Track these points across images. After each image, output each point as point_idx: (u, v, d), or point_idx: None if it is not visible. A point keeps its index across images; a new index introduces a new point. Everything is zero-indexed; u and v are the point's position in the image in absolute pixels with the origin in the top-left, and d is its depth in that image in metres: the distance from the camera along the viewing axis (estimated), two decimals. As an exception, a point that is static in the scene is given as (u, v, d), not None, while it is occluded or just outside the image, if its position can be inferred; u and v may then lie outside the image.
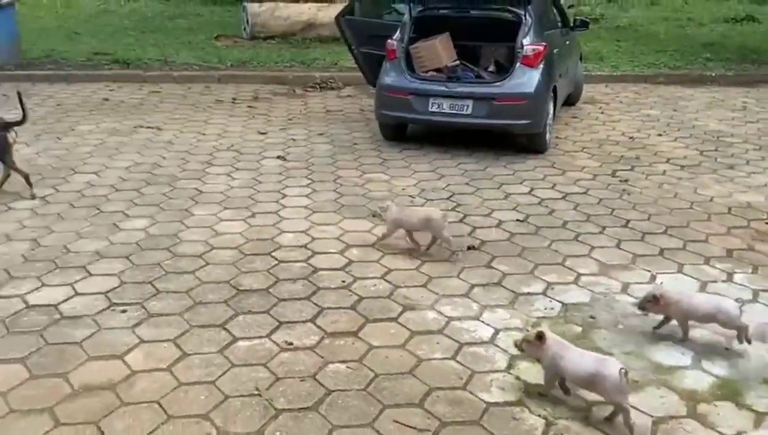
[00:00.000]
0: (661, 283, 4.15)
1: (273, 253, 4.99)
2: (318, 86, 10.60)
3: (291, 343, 3.86)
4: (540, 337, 3.34)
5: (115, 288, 4.45)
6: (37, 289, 4.42)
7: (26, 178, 6.05)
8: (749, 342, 3.77)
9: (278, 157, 7.22)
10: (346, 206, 5.92)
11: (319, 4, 14.36)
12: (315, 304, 4.30)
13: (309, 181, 6.53)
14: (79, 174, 6.59)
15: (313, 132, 8.24)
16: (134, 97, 9.81)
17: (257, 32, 13.85)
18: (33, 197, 5.95)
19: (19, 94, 6.37)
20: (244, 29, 14.18)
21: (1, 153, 5.94)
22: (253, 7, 14.06)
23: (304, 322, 4.09)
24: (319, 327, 4.03)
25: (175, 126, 8.37)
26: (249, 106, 9.45)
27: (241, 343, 3.86)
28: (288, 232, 5.37)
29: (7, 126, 6.04)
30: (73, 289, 4.43)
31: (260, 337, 3.91)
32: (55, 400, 3.33)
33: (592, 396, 3.31)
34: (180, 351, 3.77)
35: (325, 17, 13.84)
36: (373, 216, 5.47)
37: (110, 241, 5.17)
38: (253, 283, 4.55)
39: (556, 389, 3.40)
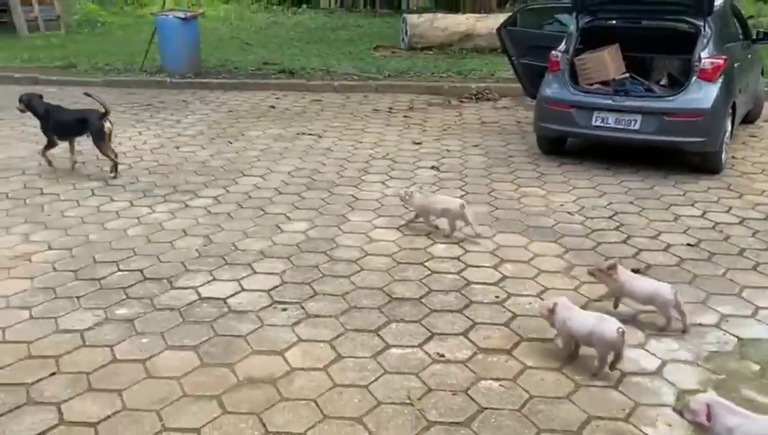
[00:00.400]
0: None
1: (425, 263, 5.01)
2: (474, 97, 10.57)
3: (443, 355, 3.85)
4: (613, 266, 4.00)
5: (277, 287, 4.67)
6: (208, 282, 4.72)
7: (115, 164, 6.95)
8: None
9: (432, 168, 7.27)
10: (500, 220, 5.83)
11: (477, 15, 14.36)
12: (467, 317, 4.26)
13: (463, 193, 6.50)
14: (247, 177, 6.98)
15: (468, 143, 8.21)
16: (297, 105, 10.29)
17: (415, 43, 14.08)
18: (114, 176, 6.92)
19: (87, 93, 7.52)
20: (402, 40, 14.47)
21: (100, 139, 6.85)
22: (412, 19, 14.31)
23: (456, 335, 4.06)
24: (471, 341, 3.99)
25: (334, 134, 8.67)
26: (405, 116, 9.60)
27: (393, 350, 3.90)
28: (440, 243, 5.36)
29: (103, 116, 6.85)
30: (240, 285, 4.69)
31: (412, 346, 3.93)
32: (223, 388, 3.53)
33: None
34: (335, 353, 3.87)
35: (483, 28, 13.82)
36: (401, 199, 5.68)
37: (273, 241, 5.43)
38: (406, 291, 4.58)
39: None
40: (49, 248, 5.27)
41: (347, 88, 11.26)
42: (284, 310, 4.36)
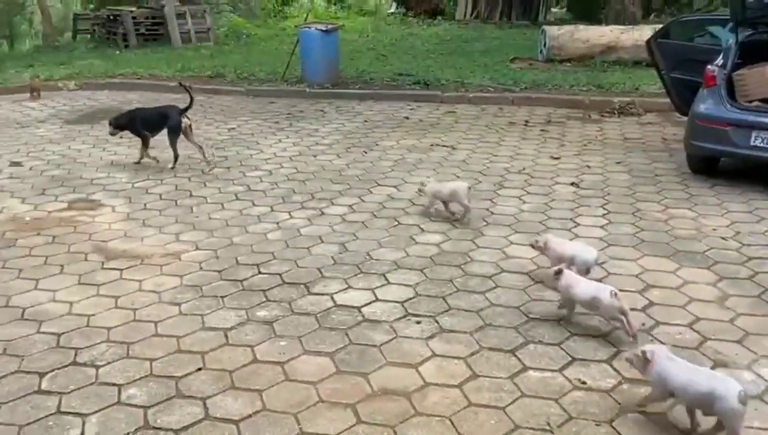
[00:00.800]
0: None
1: (565, 283, 4.81)
2: (616, 112, 10.13)
3: (584, 382, 3.67)
4: (559, 271, 4.26)
5: (411, 299, 4.65)
6: (343, 290, 4.78)
7: (202, 152, 7.84)
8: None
9: (572, 184, 7.01)
10: (646, 242, 5.51)
11: (621, 27, 13.81)
12: (610, 344, 4.04)
13: (604, 212, 6.21)
14: (381, 186, 7.05)
15: (610, 159, 7.86)
16: (431, 117, 10.30)
17: (554, 55, 13.73)
18: (209, 165, 7.72)
19: (181, 83, 8.89)
20: (540, 52, 14.16)
21: (175, 134, 7.66)
22: (551, 30, 13.98)
23: (599, 361, 3.86)
24: (615, 370, 3.78)
25: (469, 146, 8.59)
26: (542, 130, 9.36)
27: (531, 372, 3.76)
28: (582, 263, 5.14)
29: (182, 112, 7.66)
30: (374, 294, 4.71)
31: (552, 370, 3.78)
32: (357, 397, 3.54)
33: None
34: (470, 370, 3.79)
35: (628, 40, 13.27)
36: (418, 191, 6.28)
37: (407, 252, 5.42)
38: (543, 312, 4.42)
39: None
40: (197, 248, 5.55)
41: (482, 100, 11.15)
42: (418, 322, 4.33)
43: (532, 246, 4.99)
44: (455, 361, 3.90)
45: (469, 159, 8.02)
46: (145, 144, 7.87)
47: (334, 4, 28.77)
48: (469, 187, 6.09)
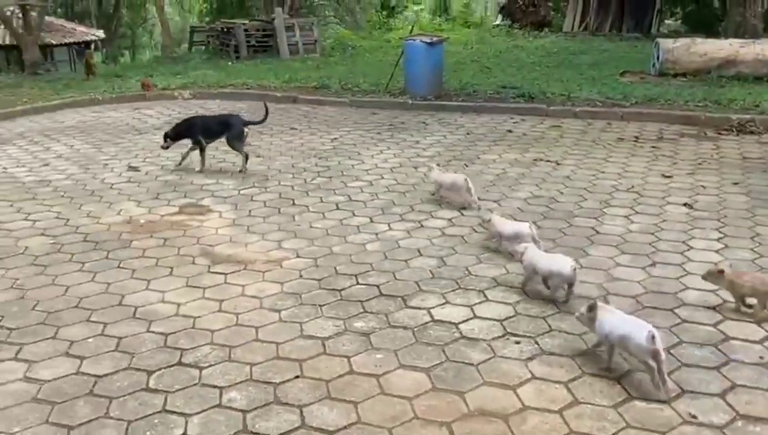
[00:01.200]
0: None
1: (675, 310, 4.56)
2: (734, 129, 9.56)
3: (695, 416, 3.45)
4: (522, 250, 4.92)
5: (510, 317, 4.53)
6: (441, 305, 4.73)
7: (246, 158, 8.10)
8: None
9: (684, 205, 6.65)
10: (765, 269, 5.14)
11: (741, 41, 13.07)
12: (725, 376, 3.78)
13: (720, 235, 5.85)
14: (482, 201, 6.91)
15: (727, 180, 7.41)
16: (535, 130, 10.08)
17: (667, 69, 13.16)
18: (241, 171, 8.03)
19: (264, 103, 8.84)
20: (653, 65, 13.61)
21: (238, 141, 8.02)
22: (666, 43, 13.42)
23: (711, 395, 3.62)
24: (729, 405, 3.53)
25: (574, 161, 8.34)
26: (653, 147, 8.95)
27: (637, 402, 3.57)
28: (693, 288, 4.85)
29: (247, 123, 8.22)
30: (472, 311, 4.63)
31: (659, 401, 3.57)
32: (453, 416, 3.48)
33: None
34: (572, 396, 3.64)
35: (748, 54, 12.57)
36: (424, 175, 7.18)
37: (507, 269, 5.30)
38: (652, 338, 4.19)
39: None
40: (298, 256, 5.65)
41: (589, 114, 10.81)
42: (517, 343, 4.21)
43: (481, 222, 5.91)
44: (555, 385, 3.76)
45: (574, 175, 7.78)
46: (202, 151, 8.19)
47: (439, 16, 28.87)
48: (466, 179, 6.58)
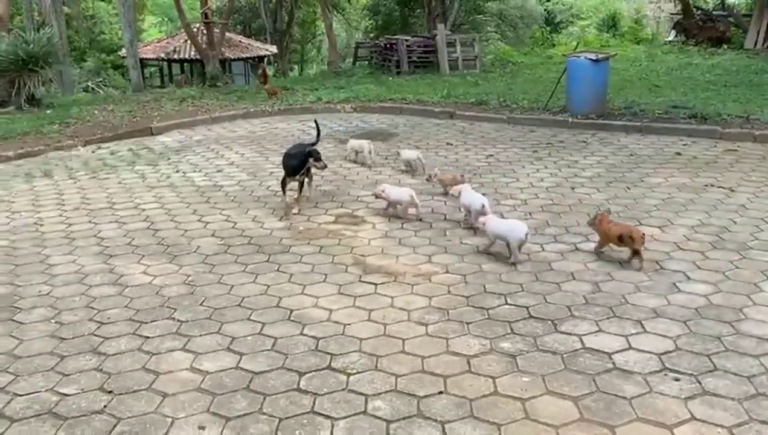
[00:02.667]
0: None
1: None
2: None
3: None
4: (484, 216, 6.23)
5: (670, 352, 4.26)
6: (593, 332, 4.54)
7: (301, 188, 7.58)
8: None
9: None
10: None
11: None
12: None
13: None
14: (643, 226, 6.51)
15: None
16: (708, 154, 9.42)
17: None
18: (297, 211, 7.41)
19: (316, 121, 8.44)
20: None
21: (305, 169, 7.38)
22: None
23: None
24: None
25: (751, 189, 7.69)
26: None
27: (814, 460, 3.22)
28: None
29: (312, 147, 7.58)
30: (628, 341, 4.40)
31: None
32: (600, 451, 3.32)
33: None
34: (735, 443, 3.35)
35: None
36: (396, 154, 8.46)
37: (668, 300, 4.99)
38: (836, 390, 3.77)
39: None
40: (447, 271, 5.67)
41: (771, 138, 9.94)
42: (677, 379, 3.94)
43: (376, 196, 7.15)
44: (718, 429, 3.48)
45: (750, 204, 7.17)
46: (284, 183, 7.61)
47: (607, 32, 27.90)
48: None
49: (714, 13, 23.16)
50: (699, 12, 23.28)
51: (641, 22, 33.37)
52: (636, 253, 5.59)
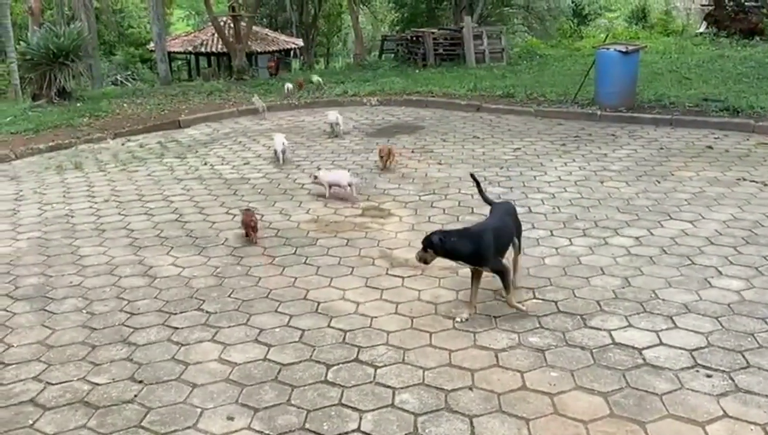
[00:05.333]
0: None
1: None
2: None
3: None
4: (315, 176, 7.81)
5: (701, 348, 4.19)
6: (623, 328, 4.49)
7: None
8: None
9: None
10: None
11: None
12: None
13: None
14: (674, 220, 6.50)
15: None
16: (740, 148, 9.24)
17: None
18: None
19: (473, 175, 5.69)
20: None
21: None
22: None
23: None
24: None
25: (785, 183, 7.54)
26: None
27: None
28: None
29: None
30: (658, 337, 4.34)
31: None
32: (632, 448, 3.29)
33: None
34: (770, 441, 3.29)
35: None
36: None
37: (699, 296, 4.92)
38: None
39: None
40: (475, 265, 5.63)
41: (807, 131, 9.72)
42: (708, 376, 3.89)
43: (313, 181, 7.83)
44: (751, 426, 3.43)
45: (785, 198, 7.04)
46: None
47: (636, 24, 27.51)
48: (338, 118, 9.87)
49: (746, 4, 22.66)
50: (731, 3, 22.79)
51: (671, 13, 32.82)
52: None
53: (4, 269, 5.89)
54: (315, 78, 15.78)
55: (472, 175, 5.66)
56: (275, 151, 9.42)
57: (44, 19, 17.71)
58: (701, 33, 23.31)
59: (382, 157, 8.72)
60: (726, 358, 4.07)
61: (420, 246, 4.63)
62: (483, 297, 4.99)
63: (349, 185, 7.45)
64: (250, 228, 6.25)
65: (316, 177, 7.73)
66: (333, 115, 11.04)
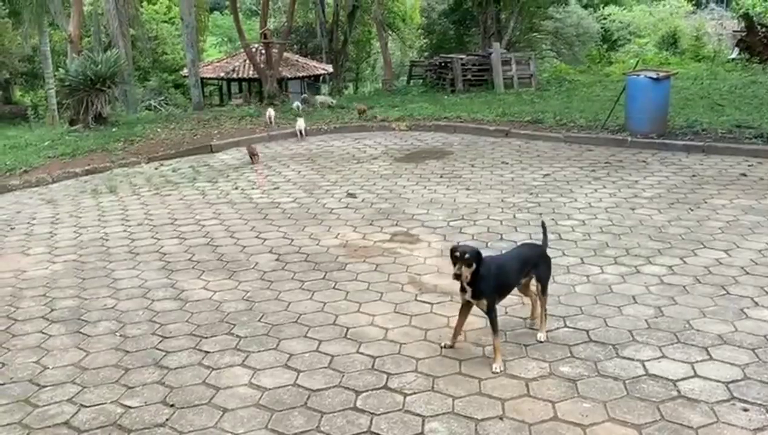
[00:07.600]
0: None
1: None
2: None
3: None
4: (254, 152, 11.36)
5: (738, 380, 4.11)
6: (657, 358, 4.42)
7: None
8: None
9: None
10: None
11: None
12: None
13: None
14: (707, 249, 6.41)
15: None
16: (774, 175, 9.11)
17: None
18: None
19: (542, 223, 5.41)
20: None
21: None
22: None
23: None
24: None
25: (822, 211, 7.39)
26: None
27: None
28: None
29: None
30: (693, 369, 4.27)
31: None
32: (666, 483, 3.22)
33: None
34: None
35: None
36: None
37: (735, 327, 4.82)
38: None
39: None
40: (504, 292, 5.60)
41: (842, 158, 9.55)
42: (745, 410, 3.80)
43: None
44: (791, 464, 3.34)
45: (822, 227, 6.90)
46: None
47: (666, 50, 27.36)
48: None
49: (780, 29, 22.46)
50: (763, 29, 22.59)
51: (702, 39, 32.57)
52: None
53: (42, 292, 6.02)
54: (321, 98, 18.07)
55: (542, 224, 5.27)
56: (299, 130, 13.14)
57: (82, 46, 18.17)
58: (733, 59, 23.11)
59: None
60: (763, 391, 3.98)
61: (448, 271, 4.59)
62: (513, 325, 4.97)
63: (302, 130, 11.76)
64: (253, 155, 10.71)
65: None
66: (301, 122, 13.49)
